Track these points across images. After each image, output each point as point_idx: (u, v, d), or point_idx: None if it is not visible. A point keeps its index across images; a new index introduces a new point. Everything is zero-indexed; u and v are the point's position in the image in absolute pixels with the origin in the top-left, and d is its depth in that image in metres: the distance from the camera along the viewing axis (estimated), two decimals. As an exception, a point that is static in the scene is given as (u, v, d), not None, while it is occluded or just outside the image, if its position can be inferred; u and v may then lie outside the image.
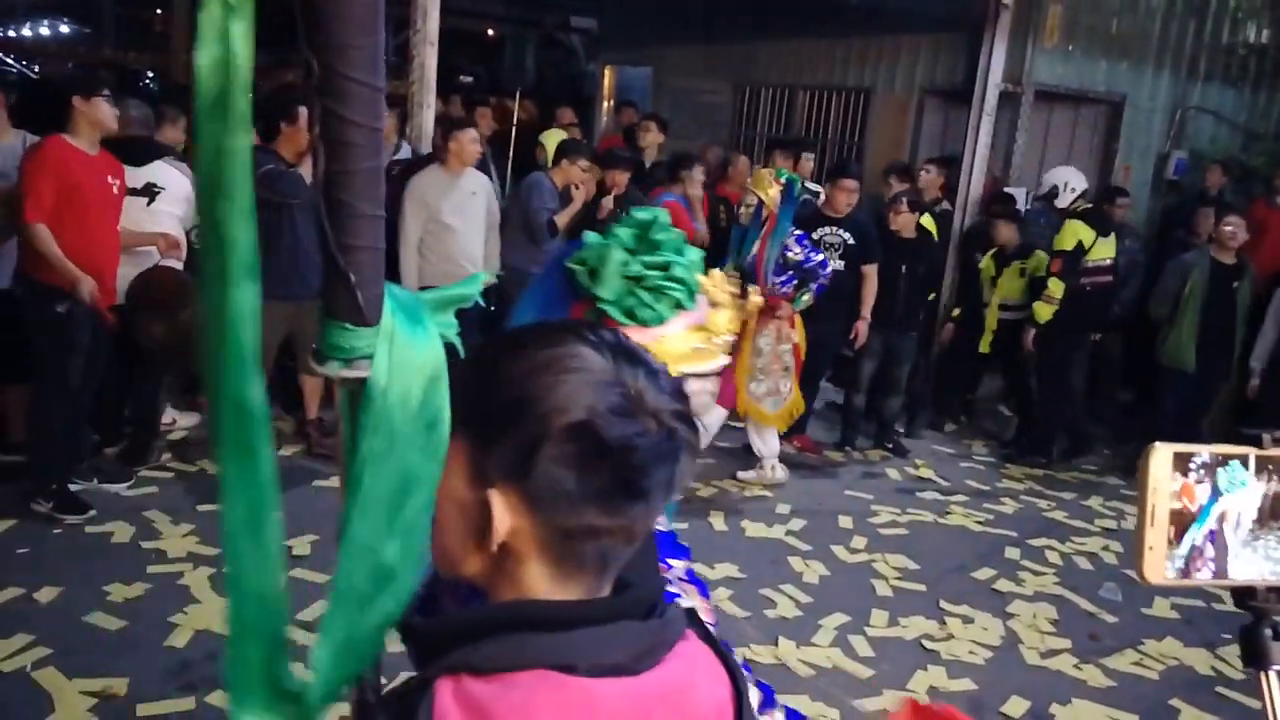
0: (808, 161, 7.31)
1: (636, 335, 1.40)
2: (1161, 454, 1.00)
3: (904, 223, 6.13)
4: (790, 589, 4.47)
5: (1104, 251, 6.29)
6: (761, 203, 5.18)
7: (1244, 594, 1.05)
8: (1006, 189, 7.53)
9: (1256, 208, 7.34)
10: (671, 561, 1.38)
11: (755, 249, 5.22)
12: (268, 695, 0.98)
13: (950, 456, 6.58)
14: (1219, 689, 4.01)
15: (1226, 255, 6.08)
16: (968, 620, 4.34)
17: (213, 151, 0.90)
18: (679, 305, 1.46)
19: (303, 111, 4.96)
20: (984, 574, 4.84)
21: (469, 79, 13.17)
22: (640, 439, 0.83)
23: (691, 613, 0.95)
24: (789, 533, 5.11)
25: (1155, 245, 7.89)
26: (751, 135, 10.01)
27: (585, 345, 0.85)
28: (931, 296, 6.77)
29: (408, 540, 1.00)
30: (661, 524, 1.38)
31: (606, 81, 12.07)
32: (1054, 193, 6.47)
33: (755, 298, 5.12)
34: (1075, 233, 6.18)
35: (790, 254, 5.22)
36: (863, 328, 5.99)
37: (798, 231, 5.31)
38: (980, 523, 5.50)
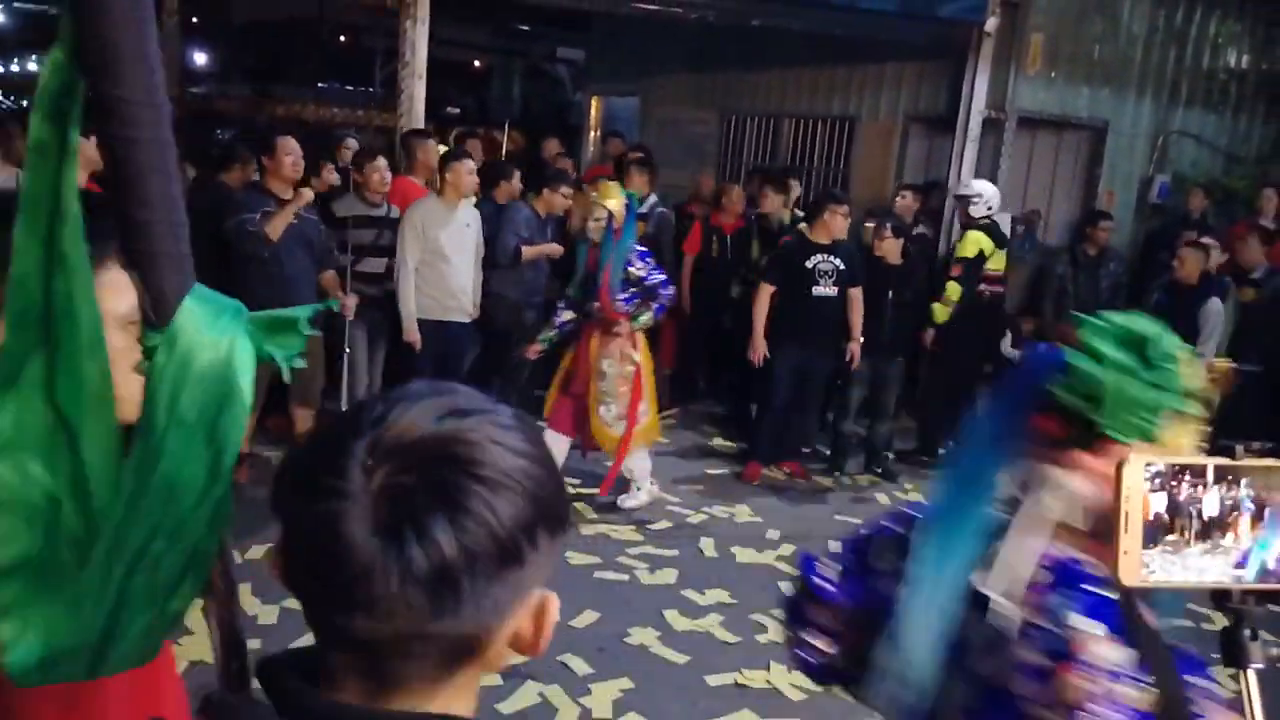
0: (795, 188, 7.37)
1: (1147, 450, 1.30)
2: (1135, 464, 1.06)
3: (888, 249, 6.18)
4: (781, 614, 4.45)
5: (999, 263, 6.58)
6: (612, 215, 5.15)
7: (1221, 597, 1.10)
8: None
9: (1238, 230, 7.42)
10: (1192, 679, 1.33)
11: (605, 264, 5.14)
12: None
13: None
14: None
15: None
16: (958, 643, 4.34)
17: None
18: (1176, 410, 1.36)
19: (280, 142, 5.01)
20: (974, 597, 4.84)
21: (456, 110, 13.25)
22: (306, 518, 0.72)
23: None
24: (779, 558, 5.12)
25: (1139, 268, 7.96)
26: (738, 164, 10.10)
27: (354, 409, 0.77)
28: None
29: (173, 544, 1.01)
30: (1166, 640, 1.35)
31: (593, 111, 12.17)
32: (971, 200, 6.61)
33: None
34: (977, 241, 6.42)
35: (632, 269, 5.16)
36: (856, 349, 6.03)
37: (641, 248, 5.30)
38: (970, 546, 5.50)
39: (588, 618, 4.23)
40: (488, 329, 5.94)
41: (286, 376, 1.11)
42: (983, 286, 6.54)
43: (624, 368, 5.25)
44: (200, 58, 20.01)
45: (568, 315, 5.34)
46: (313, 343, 5.46)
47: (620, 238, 5.13)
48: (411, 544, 0.69)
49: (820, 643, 1.62)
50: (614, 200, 5.14)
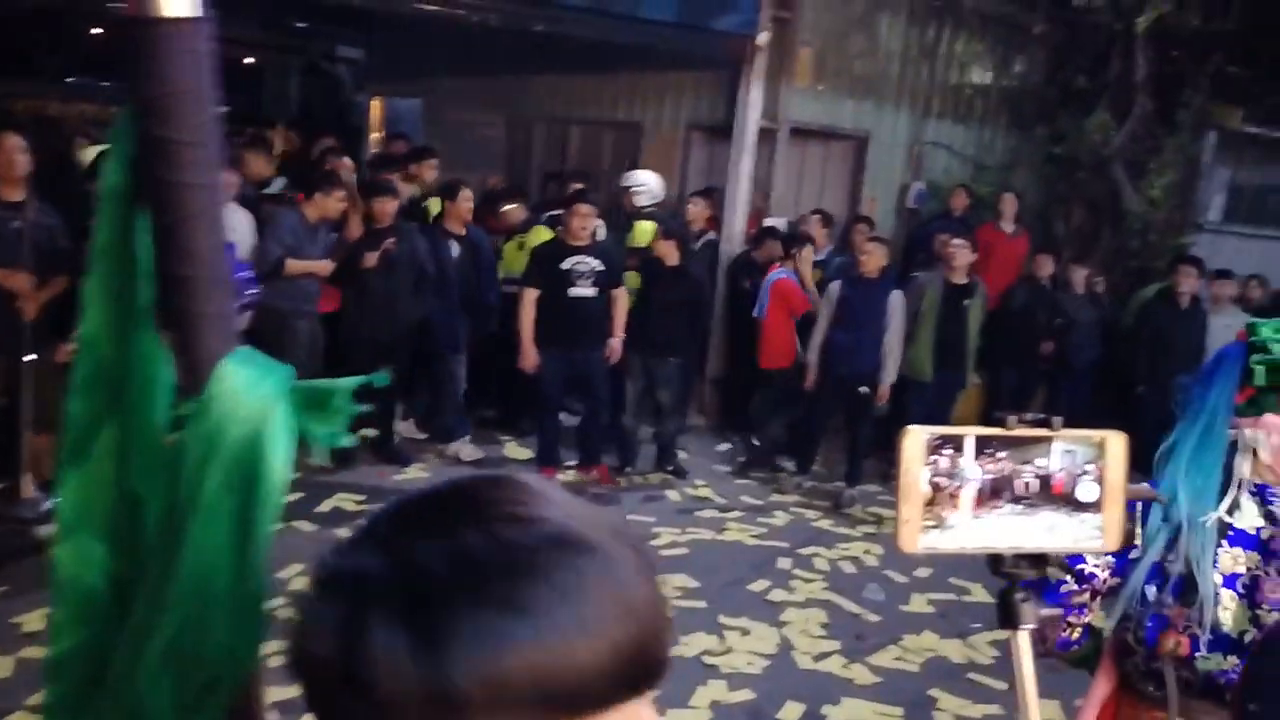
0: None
1: None
2: (915, 436, 1.10)
3: (664, 250, 6.38)
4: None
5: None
6: None
7: (995, 561, 1.17)
8: (767, 219, 7.98)
9: (984, 231, 8.12)
10: None
11: None
12: None
13: (727, 475, 6.86)
14: (971, 675, 4.37)
15: (958, 275, 6.69)
16: (745, 632, 4.54)
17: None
18: None
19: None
20: (759, 585, 5.07)
21: (226, 109, 12.57)
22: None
23: None
24: (574, 560, 5.16)
25: (900, 269, 8.54)
26: (525, 169, 10.11)
27: None
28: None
29: (201, 646, 0.89)
30: None
31: (375, 113, 11.85)
32: (635, 191, 7.05)
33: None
34: (648, 231, 6.80)
35: None
36: (616, 345, 6.19)
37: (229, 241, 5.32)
38: (755, 536, 5.76)
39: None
40: (253, 343, 5.66)
41: (321, 458, 1.01)
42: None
43: None
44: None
45: None
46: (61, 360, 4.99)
47: None
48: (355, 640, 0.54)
49: (1074, 619, 1.93)
50: None
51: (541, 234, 6.71)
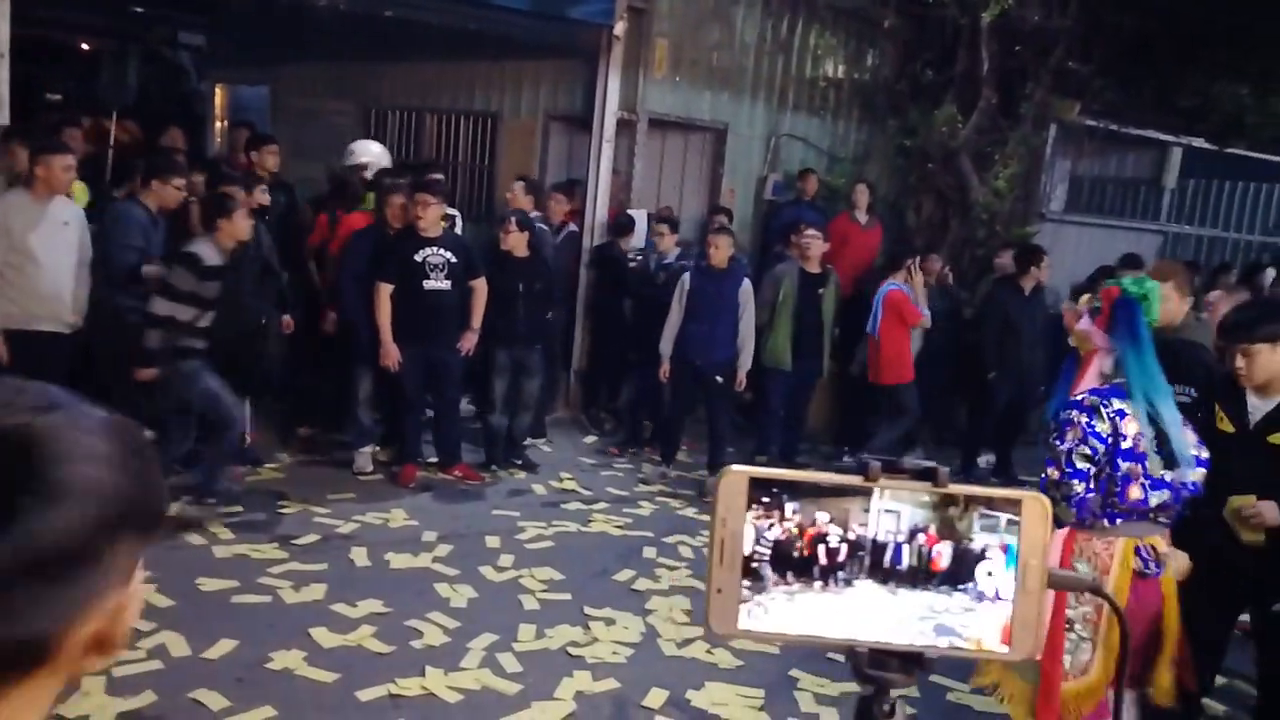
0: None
1: None
2: (735, 478, 0.80)
3: (514, 242, 6.30)
4: (437, 616, 4.41)
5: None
6: None
7: (854, 660, 0.87)
8: (629, 210, 7.96)
9: (839, 222, 8.31)
10: None
11: None
12: None
13: (592, 467, 6.83)
14: (830, 655, 4.43)
15: (812, 265, 6.81)
16: (610, 622, 4.51)
17: None
18: None
19: None
20: (624, 575, 5.05)
21: (58, 97, 11.84)
22: None
23: None
24: (435, 559, 5.05)
25: (759, 259, 8.68)
26: (381, 158, 9.82)
27: None
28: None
29: None
30: None
31: (219, 100, 11.35)
32: (362, 166, 6.91)
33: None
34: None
35: None
36: (471, 338, 6.08)
37: None
38: (620, 527, 5.75)
39: (224, 647, 3.93)
40: (92, 342, 5.34)
41: None
42: None
43: None
44: None
45: None
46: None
47: None
48: None
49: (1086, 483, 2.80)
50: None
51: None
